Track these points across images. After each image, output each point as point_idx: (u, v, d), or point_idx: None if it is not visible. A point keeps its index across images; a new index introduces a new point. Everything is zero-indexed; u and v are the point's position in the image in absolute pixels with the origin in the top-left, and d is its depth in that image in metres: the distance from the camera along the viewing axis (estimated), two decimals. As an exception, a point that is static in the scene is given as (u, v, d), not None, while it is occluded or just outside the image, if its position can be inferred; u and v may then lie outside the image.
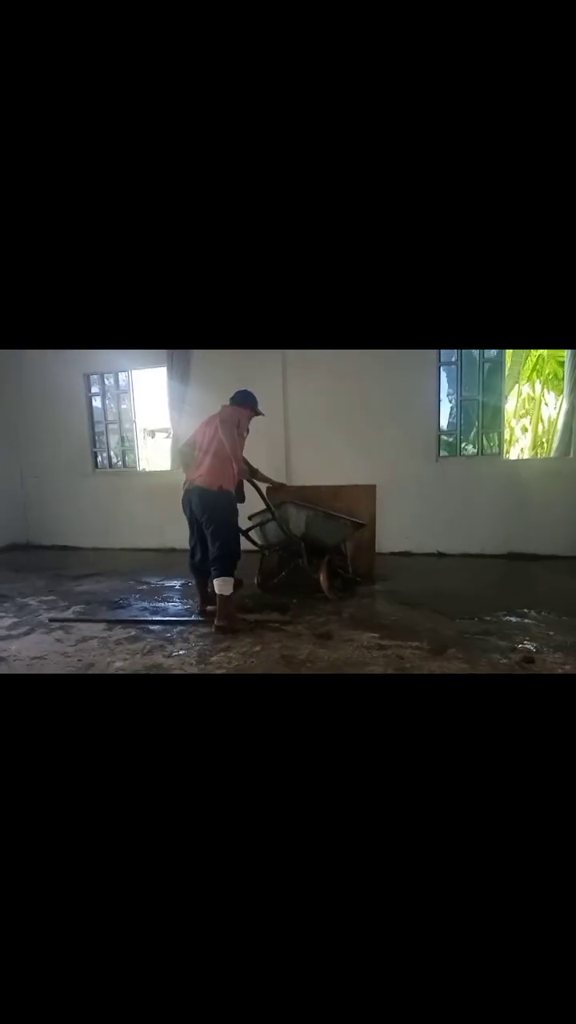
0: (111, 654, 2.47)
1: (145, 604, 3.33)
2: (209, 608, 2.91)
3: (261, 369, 4.61)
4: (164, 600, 3.42)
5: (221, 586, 2.69)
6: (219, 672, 2.23)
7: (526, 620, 2.78)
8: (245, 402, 2.97)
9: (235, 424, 2.77)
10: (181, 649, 2.51)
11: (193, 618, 2.98)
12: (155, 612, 3.15)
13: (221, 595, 2.69)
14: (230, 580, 2.70)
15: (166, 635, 2.71)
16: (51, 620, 3.02)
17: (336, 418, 4.70)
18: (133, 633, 2.76)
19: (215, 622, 2.71)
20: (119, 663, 2.36)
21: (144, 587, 3.78)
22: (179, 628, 2.82)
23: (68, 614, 3.15)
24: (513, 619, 2.81)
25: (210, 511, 2.70)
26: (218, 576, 2.69)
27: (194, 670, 2.26)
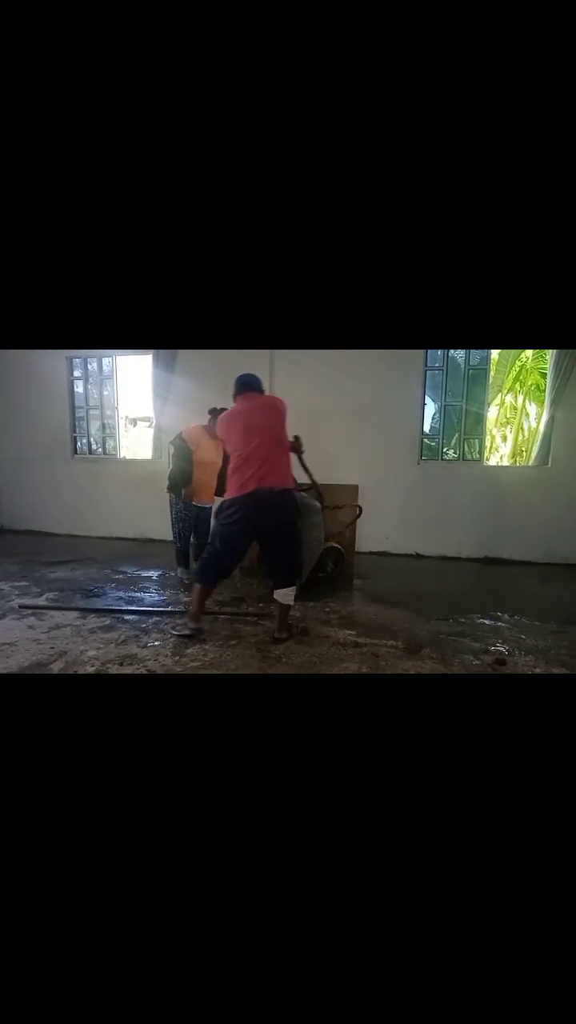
0: (84, 643, 2.43)
1: (120, 593, 3.28)
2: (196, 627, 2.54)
3: (249, 366, 4.57)
4: (140, 590, 3.37)
5: (287, 596, 2.45)
6: (194, 664, 2.21)
7: (499, 623, 2.84)
8: (258, 385, 2.56)
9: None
10: (156, 640, 2.48)
11: (169, 609, 2.94)
12: (130, 602, 3.10)
13: (287, 605, 2.47)
14: (294, 589, 2.49)
15: (141, 626, 2.68)
16: (21, 606, 2.95)
17: (321, 417, 4.70)
18: (107, 622, 2.72)
19: (275, 634, 2.46)
20: (92, 652, 2.32)
21: (120, 576, 3.72)
22: (154, 619, 2.79)
23: (41, 600, 3.08)
24: (487, 622, 2.86)
25: (287, 514, 2.40)
26: (286, 586, 2.44)
27: (169, 662, 2.23)
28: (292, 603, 2.49)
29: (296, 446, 2.58)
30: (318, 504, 3.01)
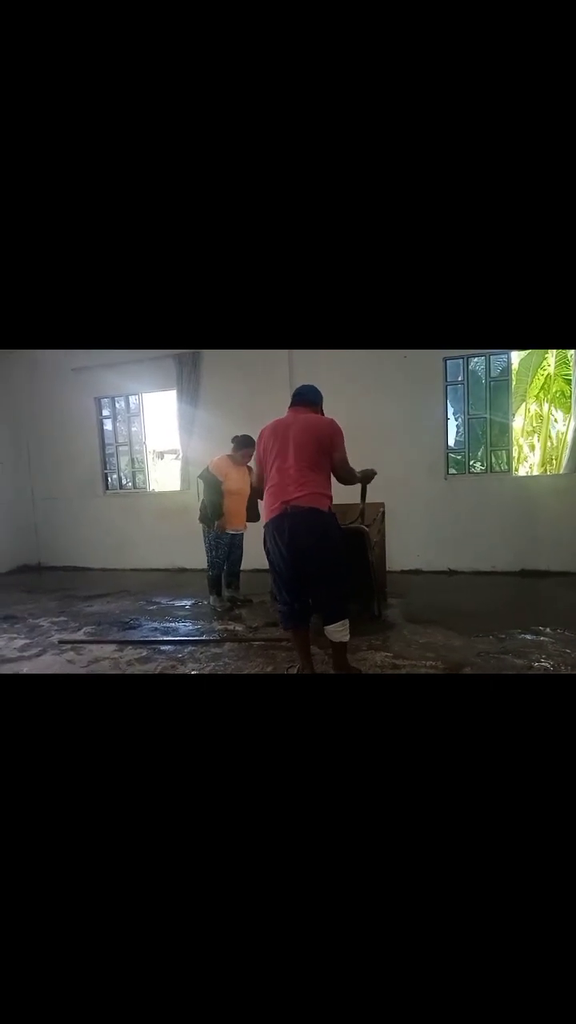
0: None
1: (156, 624, 3.32)
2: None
3: (269, 392, 4.67)
4: (175, 620, 3.41)
5: (340, 632, 2.18)
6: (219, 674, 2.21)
7: (541, 637, 2.74)
8: (320, 401, 2.40)
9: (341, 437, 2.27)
10: (192, 669, 2.49)
11: (204, 638, 2.96)
12: (166, 632, 3.14)
13: (341, 643, 2.22)
14: (347, 623, 2.21)
15: (177, 655, 2.70)
16: (60, 642, 3.02)
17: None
18: (144, 653, 2.75)
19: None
20: (130, 684, 2.35)
21: (154, 607, 3.78)
22: (190, 648, 2.81)
23: (79, 635, 3.15)
24: (528, 637, 2.76)
25: (322, 537, 2.10)
26: (337, 620, 2.17)
27: (206, 690, 2.24)
28: (347, 639, 2.22)
29: (363, 477, 2.50)
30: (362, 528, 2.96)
